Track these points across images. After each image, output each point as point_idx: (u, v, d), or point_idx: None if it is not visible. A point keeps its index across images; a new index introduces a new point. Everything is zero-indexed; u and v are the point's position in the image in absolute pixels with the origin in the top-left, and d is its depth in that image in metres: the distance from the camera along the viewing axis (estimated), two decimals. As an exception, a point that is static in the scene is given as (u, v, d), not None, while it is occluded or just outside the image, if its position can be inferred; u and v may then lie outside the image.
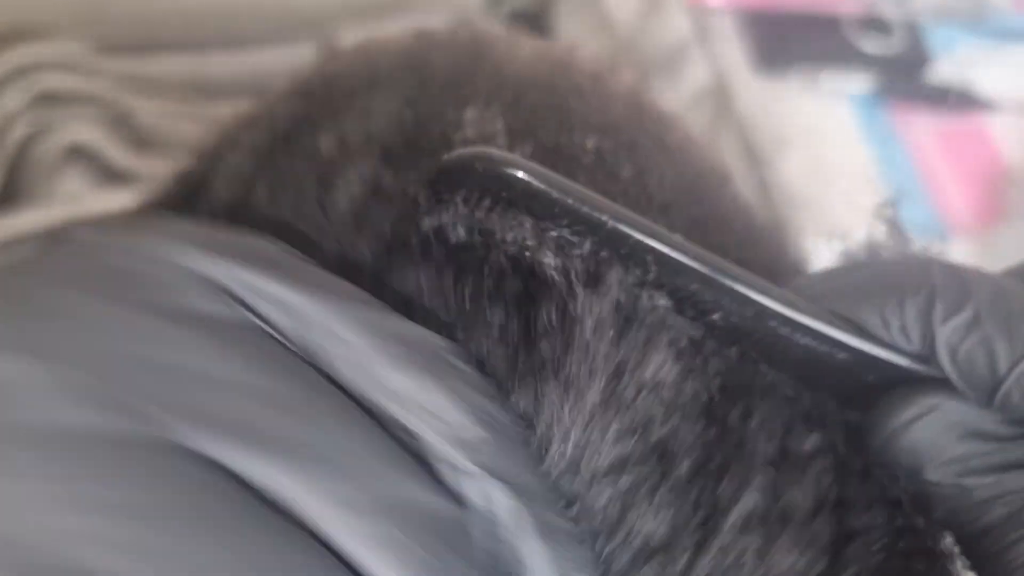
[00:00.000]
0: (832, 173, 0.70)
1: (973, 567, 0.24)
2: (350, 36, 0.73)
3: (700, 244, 0.25)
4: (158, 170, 0.64)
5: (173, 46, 0.72)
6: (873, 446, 0.25)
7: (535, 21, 0.78)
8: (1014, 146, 0.73)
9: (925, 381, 0.25)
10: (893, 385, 0.25)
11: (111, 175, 0.64)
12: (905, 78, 0.75)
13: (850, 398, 0.26)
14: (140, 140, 0.66)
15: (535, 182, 0.24)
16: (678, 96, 0.73)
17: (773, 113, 0.71)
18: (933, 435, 0.24)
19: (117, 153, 0.64)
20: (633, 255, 0.24)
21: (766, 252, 0.29)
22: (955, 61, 0.75)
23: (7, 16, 0.66)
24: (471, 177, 0.24)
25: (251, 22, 0.74)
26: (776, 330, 0.25)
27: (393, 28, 0.76)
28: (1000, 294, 0.24)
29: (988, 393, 0.23)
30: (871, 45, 0.75)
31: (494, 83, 0.28)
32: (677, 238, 0.25)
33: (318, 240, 0.25)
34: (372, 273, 0.24)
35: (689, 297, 0.25)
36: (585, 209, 0.24)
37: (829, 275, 0.26)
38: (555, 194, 0.24)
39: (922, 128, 0.74)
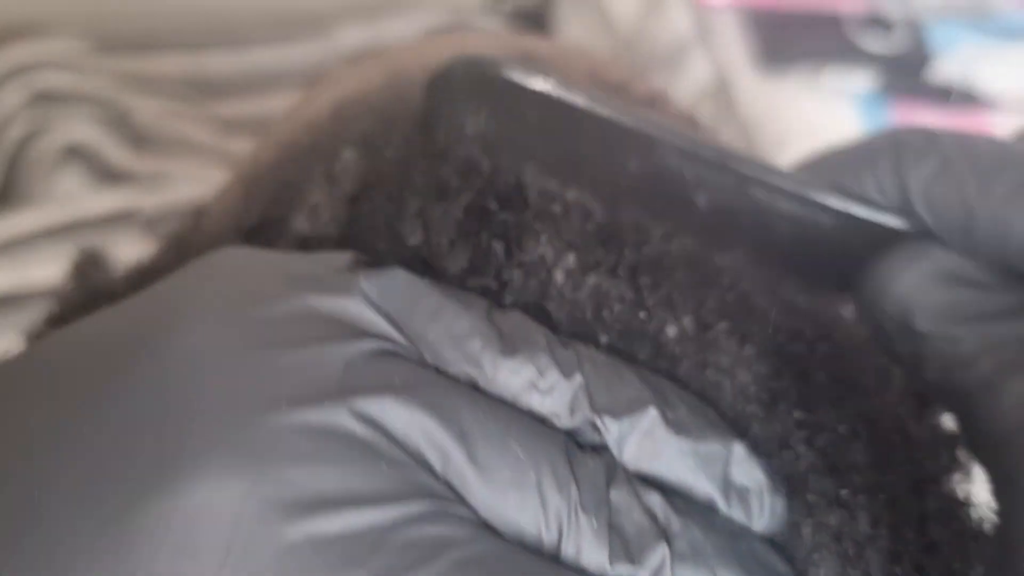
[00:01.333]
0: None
1: (965, 430, 0.24)
2: (351, 35, 0.74)
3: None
4: (156, 169, 0.64)
5: (171, 45, 0.71)
6: (865, 301, 0.25)
7: (536, 20, 0.78)
8: (1016, 144, 0.73)
9: (910, 238, 0.25)
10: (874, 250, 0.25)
11: (109, 174, 0.64)
12: (907, 76, 0.75)
13: (842, 274, 0.26)
14: (138, 139, 0.66)
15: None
16: (680, 95, 0.73)
17: (775, 112, 0.71)
18: (920, 281, 0.24)
19: (115, 152, 0.64)
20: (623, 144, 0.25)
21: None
22: (957, 59, 0.75)
23: (5, 15, 0.66)
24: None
25: (250, 21, 0.74)
26: (760, 202, 0.25)
27: (394, 28, 0.76)
28: (966, 141, 0.24)
29: (963, 235, 0.24)
30: (873, 43, 0.75)
31: None
32: (664, 123, 0.26)
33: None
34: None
35: (679, 182, 0.25)
36: (567, 98, 0.25)
37: (805, 162, 0.26)
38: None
39: (924, 125, 0.74)
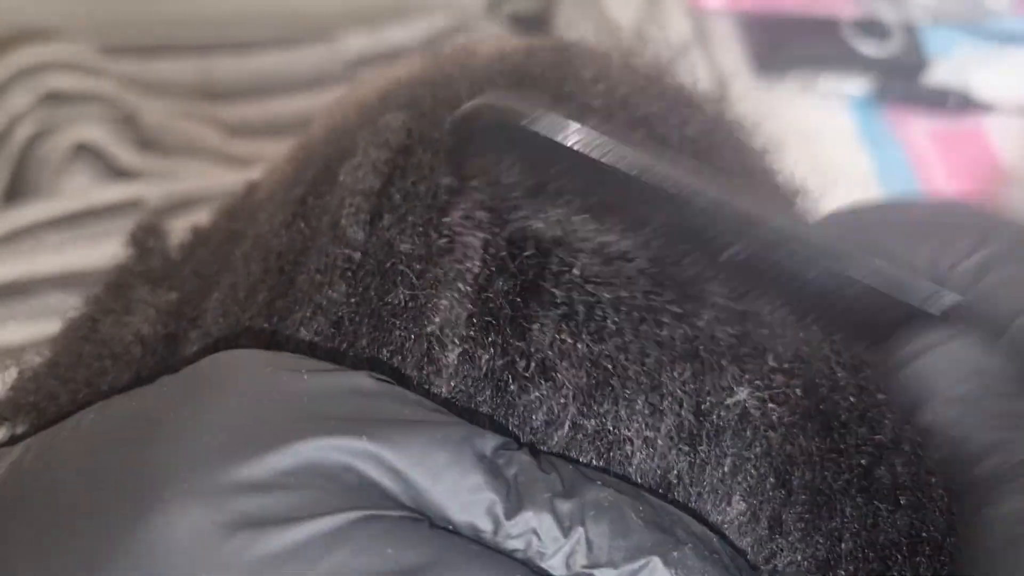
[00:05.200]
0: (830, 175, 0.70)
1: (959, 519, 0.24)
2: (355, 41, 0.75)
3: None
4: (162, 169, 0.65)
5: (178, 48, 0.72)
6: (881, 375, 0.25)
7: (537, 23, 0.79)
8: (1011, 148, 0.74)
9: (938, 320, 0.25)
10: (905, 323, 0.25)
11: (116, 173, 0.65)
12: (903, 80, 0.75)
13: (861, 335, 0.26)
14: (145, 139, 0.67)
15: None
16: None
17: (771, 116, 0.72)
18: (942, 367, 0.24)
19: (122, 152, 0.65)
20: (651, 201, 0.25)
21: None
22: (953, 64, 0.76)
23: (14, 17, 0.67)
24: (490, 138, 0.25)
25: (255, 25, 0.75)
26: (785, 267, 0.25)
27: (398, 34, 0.77)
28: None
29: (1000, 328, 0.24)
30: (869, 48, 0.76)
31: (601, 100, 0.29)
32: (689, 176, 0.25)
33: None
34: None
35: (711, 238, 0.25)
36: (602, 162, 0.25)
37: (863, 210, 0.27)
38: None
39: (920, 130, 0.74)
